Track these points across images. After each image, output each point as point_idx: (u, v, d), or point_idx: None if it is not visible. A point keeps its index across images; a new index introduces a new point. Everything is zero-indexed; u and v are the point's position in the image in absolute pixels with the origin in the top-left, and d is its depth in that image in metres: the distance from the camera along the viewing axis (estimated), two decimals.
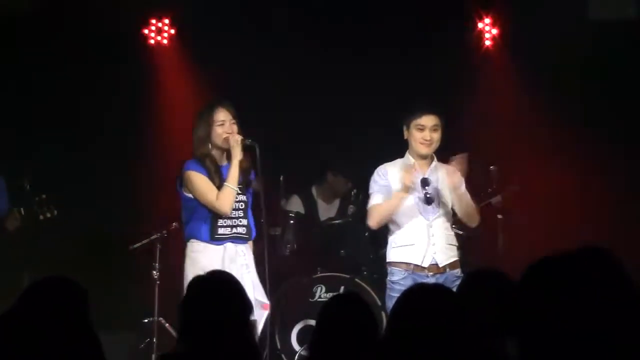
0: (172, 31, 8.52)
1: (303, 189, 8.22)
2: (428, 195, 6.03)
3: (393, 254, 6.13)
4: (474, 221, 6.27)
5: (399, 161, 6.19)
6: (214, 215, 5.90)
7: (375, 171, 6.19)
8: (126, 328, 7.56)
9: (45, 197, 7.24)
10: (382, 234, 7.66)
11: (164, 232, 7.51)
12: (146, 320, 7.48)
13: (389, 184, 6.09)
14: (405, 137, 6.14)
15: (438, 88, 7.72)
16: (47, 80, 8.15)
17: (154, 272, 7.49)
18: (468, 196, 6.14)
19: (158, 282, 7.47)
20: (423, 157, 6.13)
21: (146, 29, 8.49)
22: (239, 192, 5.97)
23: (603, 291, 2.16)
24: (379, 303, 7.22)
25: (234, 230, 5.96)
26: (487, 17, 8.33)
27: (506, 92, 8.23)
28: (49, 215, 7.28)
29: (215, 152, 5.97)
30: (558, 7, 8.02)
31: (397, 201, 6.04)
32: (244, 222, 6.00)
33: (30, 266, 7.46)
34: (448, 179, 6.05)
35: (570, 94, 8.05)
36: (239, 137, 5.88)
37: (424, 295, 2.87)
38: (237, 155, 5.86)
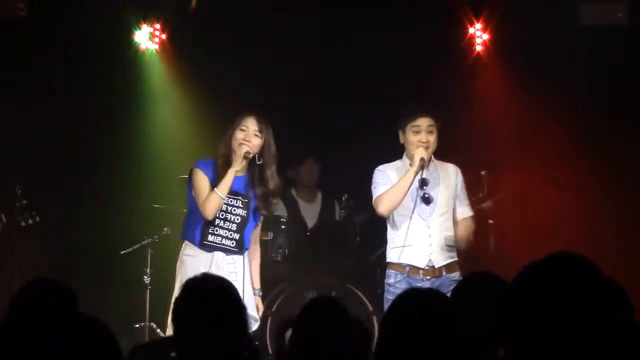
0: (164, 36, 8.51)
1: (284, 191, 8.22)
2: (427, 196, 6.02)
3: (391, 254, 6.10)
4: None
5: (396, 163, 6.16)
6: (207, 221, 5.88)
7: (376, 169, 6.15)
8: (117, 333, 7.52)
9: (26, 202, 7.15)
10: (374, 238, 7.70)
11: (155, 237, 7.52)
12: (137, 325, 7.47)
13: (391, 181, 6.07)
14: (402, 142, 6.11)
15: (429, 93, 7.72)
16: (36, 84, 8.12)
17: (145, 277, 7.49)
18: (462, 231, 6.16)
19: (149, 287, 7.48)
20: None
21: (137, 34, 8.48)
22: (241, 205, 5.92)
23: (583, 299, 2.17)
24: (371, 308, 7.24)
25: (224, 241, 5.89)
26: (478, 23, 8.35)
27: (497, 97, 8.25)
28: (30, 222, 7.20)
29: (233, 158, 5.86)
30: (549, 13, 8.03)
31: (408, 179, 5.93)
32: (236, 235, 5.91)
33: (22, 271, 7.44)
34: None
35: (561, 99, 8.07)
36: (245, 148, 5.81)
37: (416, 300, 2.88)
38: (236, 165, 5.80)
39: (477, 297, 3.45)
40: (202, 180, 5.86)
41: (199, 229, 5.89)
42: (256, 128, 5.84)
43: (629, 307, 2.44)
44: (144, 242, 7.53)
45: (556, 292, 2.13)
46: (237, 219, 5.92)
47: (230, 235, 5.91)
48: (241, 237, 5.93)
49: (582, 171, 7.99)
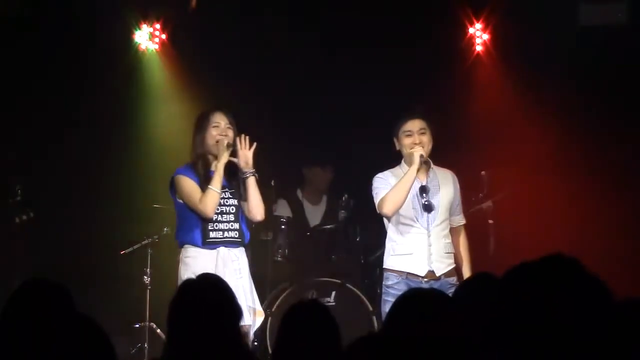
0: (164, 36, 8.51)
1: (289, 192, 8.22)
2: (427, 203, 6.00)
3: (390, 261, 6.08)
4: None
5: (395, 170, 6.15)
6: (204, 220, 5.93)
7: (375, 176, 6.15)
8: (117, 333, 7.53)
9: (20, 199, 7.15)
10: (373, 239, 7.69)
11: (156, 237, 7.53)
12: (137, 326, 7.48)
13: (391, 186, 6.05)
14: (397, 149, 6.11)
15: (430, 93, 7.72)
16: (34, 84, 8.11)
17: (145, 277, 7.50)
18: (462, 240, 6.31)
19: (149, 287, 7.48)
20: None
21: (137, 34, 8.48)
22: (231, 196, 6.01)
23: (574, 299, 2.17)
24: (370, 308, 7.24)
25: (226, 234, 5.99)
26: (478, 23, 8.35)
27: (497, 98, 8.24)
28: (24, 217, 7.19)
29: (211, 157, 6.03)
30: (549, 13, 8.03)
31: (410, 177, 5.93)
32: (236, 225, 6.02)
33: (22, 271, 7.43)
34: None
35: (561, 100, 8.07)
36: (225, 140, 5.97)
37: (419, 300, 2.88)
38: (222, 158, 5.95)
39: (477, 300, 3.45)
40: (189, 183, 5.98)
41: (199, 229, 5.95)
42: (227, 121, 6.06)
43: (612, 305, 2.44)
44: (144, 242, 7.54)
45: (537, 293, 2.13)
46: (233, 209, 6.04)
47: (231, 226, 6.02)
48: (241, 226, 6.05)
49: (583, 171, 7.99)
